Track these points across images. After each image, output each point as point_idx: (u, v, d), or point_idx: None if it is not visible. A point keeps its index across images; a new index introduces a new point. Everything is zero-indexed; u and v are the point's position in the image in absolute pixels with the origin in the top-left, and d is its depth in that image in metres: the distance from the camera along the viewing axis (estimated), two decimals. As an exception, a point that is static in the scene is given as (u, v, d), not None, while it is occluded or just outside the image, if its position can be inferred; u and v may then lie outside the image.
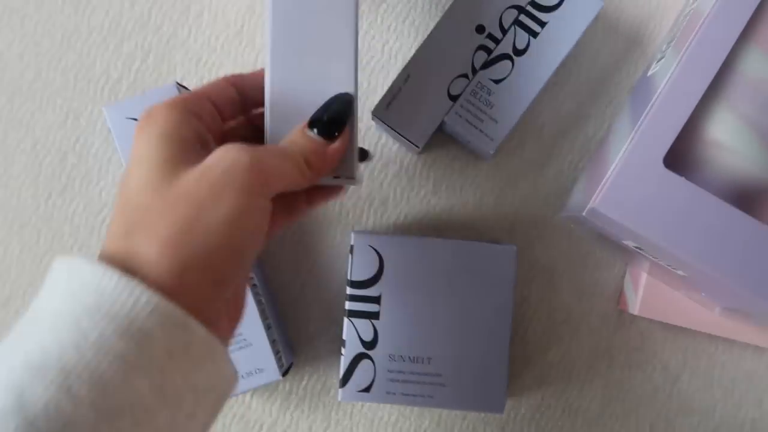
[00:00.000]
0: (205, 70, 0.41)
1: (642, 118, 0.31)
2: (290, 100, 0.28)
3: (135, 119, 0.36)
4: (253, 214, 0.24)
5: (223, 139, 0.27)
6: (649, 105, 0.31)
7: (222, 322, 0.26)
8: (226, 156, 0.24)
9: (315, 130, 0.27)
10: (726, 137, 0.31)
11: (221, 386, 0.23)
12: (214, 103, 0.27)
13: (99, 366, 0.20)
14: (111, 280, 0.21)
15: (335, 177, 0.28)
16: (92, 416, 0.19)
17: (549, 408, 0.40)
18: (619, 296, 0.41)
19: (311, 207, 0.32)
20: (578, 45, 0.41)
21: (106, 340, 0.20)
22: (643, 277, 0.38)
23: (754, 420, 0.40)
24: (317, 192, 0.31)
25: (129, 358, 0.20)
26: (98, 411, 0.20)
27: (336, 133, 0.27)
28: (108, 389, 0.20)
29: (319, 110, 0.27)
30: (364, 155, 0.34)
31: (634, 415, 0.40)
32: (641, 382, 0.41)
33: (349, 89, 0.28)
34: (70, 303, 0.21)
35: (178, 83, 0.36)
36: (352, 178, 0.29)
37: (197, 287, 0.23)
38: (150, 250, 0.22)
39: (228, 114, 0.28)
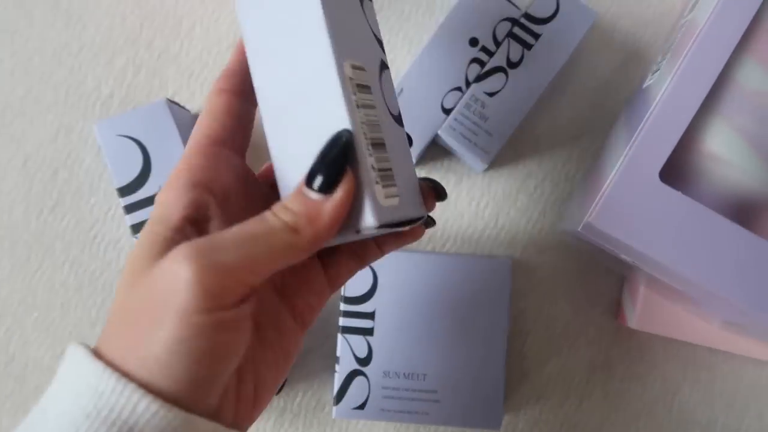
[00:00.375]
0: (197, 84, 0.41)
1: (637, 131, 0.31)
2: (291, 155, 0.24)
3: (126, 136, 0.35)
4: (208, 334, 0.20)
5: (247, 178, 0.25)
6: (645, 118, 0.31)
7: (242, 409, 0.23)
8: (168, 270, 0.20)
9: (316, 186, 0.22)
10: (723, 150, 0.31)
11: None
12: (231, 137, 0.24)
13: None
14: (108, 383, 0.20)
15: (356, 232, 0.23)
16: None
17: (547, 423, 0.40)
18: (618, 309, 0.40)
19: (384, 252, 0.28)
20: (573, 56, 0.40)
21: None
22: (641, 290, 0.37)
23: (755, 433, 0.40)
24: (387, 238, 0.28)
25: None
26: None
27: (334, 185, 0.22)
28: None
29: (314, 162, 0.22)
30: (429, 221, 0.29)
31: (633, 428, 0.40)
32: (641, 394, 0.40)
33: (344, 124, 0.22)
34: (73, 405, 0.20)
35: (168, 99, 0.36)
36: (371, 226, 0.22)
37: (172, 391, 0.21)
38: (117, 355, 0.21)
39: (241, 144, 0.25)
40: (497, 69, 0.37)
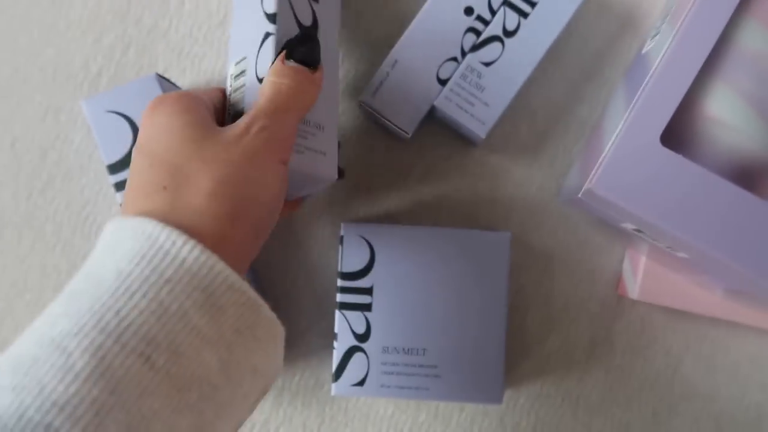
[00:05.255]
0: (187, 61, 0.40)
1: (637, 95, 0.30)
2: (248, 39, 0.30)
3: (115, 112, 0.34)
4: (279, 170, 0.25)
5: None
6: (645, 82, 0.30)
7: None
8: (254, 123, 0.25)
9: (297, 57, 0.27)
10: (724, 113, 0.31)
11: (273, 371, 0.24)
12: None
13: (176, 338, 0.20)
14: (192, 252, 0.21)
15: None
16: (166, 386, 0.20)
17: (549, 397, 0.40)
18: (618, 282, 0.40)
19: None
20: (570, 25, 0.40)
21: (185, 313, 0.20)
22: (642, 261, 0.37)
23: (759, 404, 0.39)
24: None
25: (203, 331, 0.21)
26: (172, 381, 0.20)
27: (316, 62, 0.28)
28: (182, 360, 0.20)
29: (290, 41, 0.28)
30: (339, 173, 0.34)
31: (636, 401, 0.39)
32: (643, 367, 0.40)
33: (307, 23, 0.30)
34: (143, 268, 0.20)
35: (158, 75, 0.35)
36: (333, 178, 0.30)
37: (243, 238, 0.23)
38: (196, 200, 0.23)
39: (220, 120, 0.29)
40: (493, 38, 0.36)
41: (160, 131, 0.24)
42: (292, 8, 0.30)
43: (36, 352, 0.19)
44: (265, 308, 0.23)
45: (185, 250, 0.21)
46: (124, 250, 0.21)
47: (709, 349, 0.40)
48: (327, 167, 0.30)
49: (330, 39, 0.33)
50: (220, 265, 0.21)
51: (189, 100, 0.25)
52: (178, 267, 0.21)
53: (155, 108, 0.25)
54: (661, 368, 0.40)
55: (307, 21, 0.31)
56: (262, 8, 0.29)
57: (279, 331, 0.24)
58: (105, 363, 0.19)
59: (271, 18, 0.29)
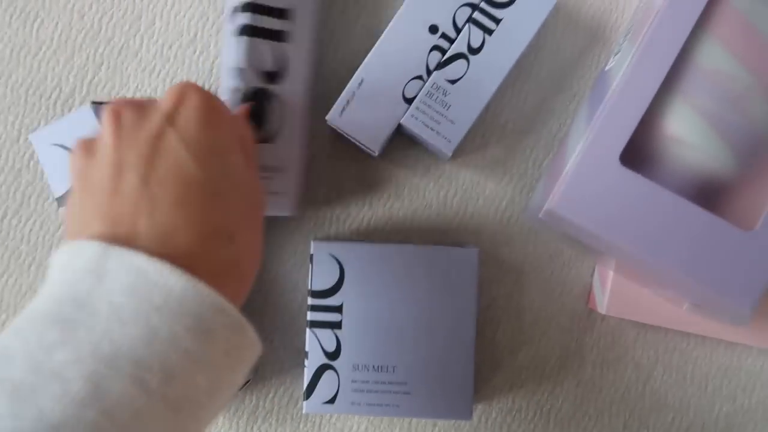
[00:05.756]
0: (159, 80, 0.40)
1: (597, 115, 0.31)
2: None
3: (59, 145, 0.35)
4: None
5: None
6: (605, 101, 0.31)
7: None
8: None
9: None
10: (684, 131, 0.31)
11: (241, 383, 0.25)
12: None
13: (168, 359, 0.21)
14: (179, 281, 0.22)
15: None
16: (161, 407, 0.21)
17: (521, 411, 0.40)
18: (589, 295, 0.40)
19: None
20: (539, 40, 0.40)
21: (176, 336, 0.21)
22: (611, 276, 0.37)
23: (728, 415, 0.40)
24: None
25: (195, 354, 0.22)
26: (166, 403, 0.21)
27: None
28: (175, 382, 0.21)
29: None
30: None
31: (607, 413, 0.40)
32: (614, 380, 0.40)
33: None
34: (134, 299, 0.21)
35: (93, 102, 0.36)
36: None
37: (218, 249, 0.24)
38: (168, 219, 0.24)
39: None
40: (458, 56, 0.36)
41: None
42: (252, 61, 0.33)
43: (34, 381, 0.20)
44: (250, 330, 0.24)
45: (172, 279, 0.22)
46: (114, 282, 0.22)
47: (678, 361, 0.40)
48: (281, 207, 0.34)
49: (298, 80, 0.34)
50: (207, 290, 0.22)
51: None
52: (166, 296, 0.22)
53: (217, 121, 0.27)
54: (631, 380, 0.40)
55: (271, 67, 0.34)
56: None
57: (259, 351, 0.25)
58: (101, 388, 0.20)
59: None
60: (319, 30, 0.40)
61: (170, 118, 0.25)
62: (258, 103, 0.31)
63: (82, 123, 0.34)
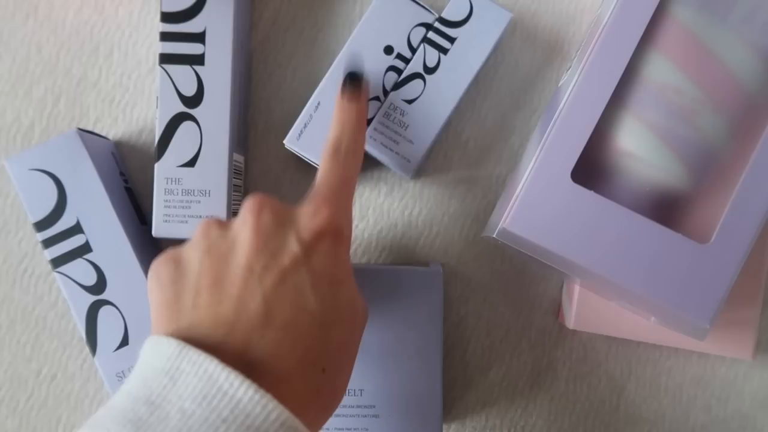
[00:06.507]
0: (119, 110, 0.40)
1: (547, 132, 0.30)
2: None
3: (38, 170, 0.35)
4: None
5: None
6: (554, 118, 0.31)
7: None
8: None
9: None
10: (634, 146, 0.31)
11: None
12: None
13: None
14: (247, 393, 0.21)
15: None
16: None
17: (494, 428, 0.39)
18: (559, 309, 0.40)
19: None
20: (497, 56, 0.40)
21: None
22: (577, 290, 0.37)
23: (704, 425, 0.39)
24: None
25: None
26: None
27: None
28: None
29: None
30: None
31: (582, 428, 0.39)
32: (587, 394, 0.40)
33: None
34: (204, 408, 0.21)
35: (80, 129, 0.35)
36: None
37: (305, 375, 0.24)
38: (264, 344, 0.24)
39: None
40: (414, 75, 0.36)
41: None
42: (174, 84, 0.34)
43: None
44: None
45: (241, 390, 0.21)
46: (187, 386, 0.22)
47: (651, 372, 0.40)
48: None
49: (220, 102, 0.35)
50: (273, 404, 0.22)
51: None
52: (234, 407, 0.21)
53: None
54: (605, 394, 0.40)
55: (190, 91, 0.34)
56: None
57: None
58: None
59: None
60: (275, 51, 0.40)
61: (307, 253, 0.26)
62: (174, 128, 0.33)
63: (61, 148, 0.35)
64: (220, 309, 0.24)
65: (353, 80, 0.32)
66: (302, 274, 0.25)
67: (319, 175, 0.30)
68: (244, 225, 0.26)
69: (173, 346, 0.23)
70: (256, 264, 0.25)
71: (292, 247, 0.26)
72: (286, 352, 0.24)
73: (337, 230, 0.27)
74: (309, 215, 0.27)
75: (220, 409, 0.21)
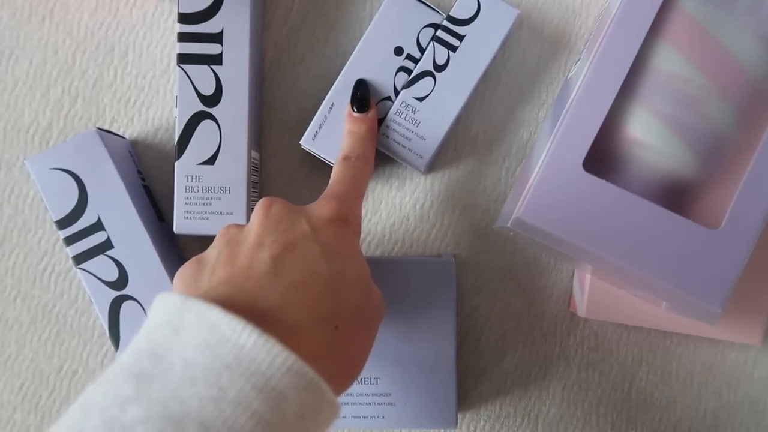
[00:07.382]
0: (134, 110, 0.41)
1: (559, 122, 0.31)
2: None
3: (59, 169, 0.35)
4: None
5: None
6: (565, 109, 0.31)
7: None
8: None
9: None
10: (644, 135, 0.31)
11: None
12: None
13: (237, 422, 0.20)
14: (250, 338, 0.21)
15: None
16: None
17: (509, 417, 0.40)
18: (570, 298, 0.41)
19: None
20: (505, 51, 0.41)
21: (245, 398, 0.21)
22: (588, 279, 0.38)
23: (714, 411, 0.40)
24: None
25: (265, 416, 0.21)
26: None
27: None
28: None
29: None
30: None
31: (594, 415, 0.40)
32: (599, 381, 0.40)
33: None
34: (207, 356, 0.21)
35: (99, 128, 0.36)
36: None
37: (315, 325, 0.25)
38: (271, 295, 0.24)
39: None
40: (425, 74, 0.37)
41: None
42: (193, 84, 0.35)
43: None
44: (327, 392, 0.23)
45: (244, 336, 0.21)
46: (190, 336, 0.22)
47: (662, 359, 0.40)
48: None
49: (238, 100, 0.36)
50: (278, 348, 0.21)
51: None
52: (237, 353, 0.21)
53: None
54: (617, 381, 0.40)
55: (209, 91, 0.36)
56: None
57: (337, 412, 0.24)
58: None
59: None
60: (288, 51, 0.41)
61: (316, 231, 0.27)
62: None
63: (81, 147, 0.35)
64: (231, 273, 0.25)
65: (362, 96, 0.36)
66: (312, 245, 0.26)
67: (331, 180, 0.32)
68: (255, 216, 0.28)
69: (176, 298, 0.23)
70: (266, 239, 0.26)
71: (302, 225, 0.27)
72: (296, 304, 0.24)
73: (344, 219, 0.28)
74: (318, 208, 0.28)
75: (223, 356, 0.21)
